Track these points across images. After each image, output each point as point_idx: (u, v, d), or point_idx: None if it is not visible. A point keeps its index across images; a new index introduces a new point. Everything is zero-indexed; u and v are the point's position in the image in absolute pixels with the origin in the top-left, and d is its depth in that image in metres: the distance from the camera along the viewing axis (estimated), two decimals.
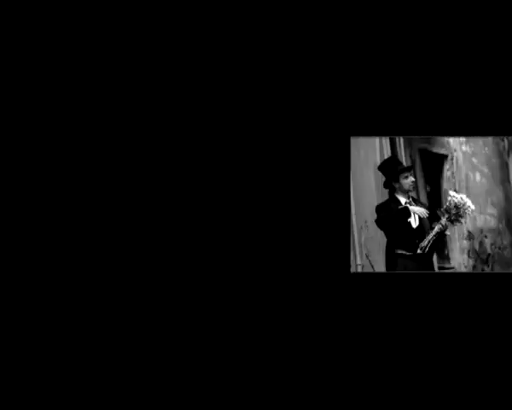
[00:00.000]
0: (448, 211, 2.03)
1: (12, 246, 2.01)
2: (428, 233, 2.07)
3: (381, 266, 2.14)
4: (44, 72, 2.09)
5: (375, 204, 2.21)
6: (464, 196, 2.01)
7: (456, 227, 2.06)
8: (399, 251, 2.04)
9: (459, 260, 2.33)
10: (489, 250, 2.42)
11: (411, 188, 2.08)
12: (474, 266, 2.34)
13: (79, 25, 2.09)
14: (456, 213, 2.01)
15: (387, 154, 2.29)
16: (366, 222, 2.18)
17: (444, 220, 2.04)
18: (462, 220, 2.02)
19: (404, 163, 2.29)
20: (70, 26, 2.09)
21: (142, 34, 2.10)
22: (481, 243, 2.44)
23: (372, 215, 2.19)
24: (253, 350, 2.05)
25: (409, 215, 2.06)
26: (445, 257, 2.44)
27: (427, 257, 2.05)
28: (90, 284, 2.03)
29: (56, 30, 2.09)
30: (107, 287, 2.03)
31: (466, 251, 2.38)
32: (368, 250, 2.15)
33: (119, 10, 2.07)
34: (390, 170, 2.11)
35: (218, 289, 2.05)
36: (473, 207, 2.00)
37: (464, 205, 2.00)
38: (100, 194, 2.05)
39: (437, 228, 2.05)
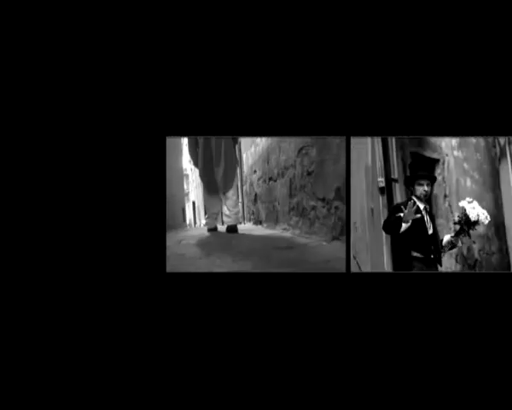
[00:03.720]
0: (467, 224, 2.09)
1: None
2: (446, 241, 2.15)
3: (367, 267, 2.15)
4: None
5: (365, 206, 2.21)
6: (480, 212, 2.08)
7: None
8: (415, 254, 2.06)
9: (447, 264, 2.33)
10: (476, 256, 2.43)
11: (422, 196, 2.08)
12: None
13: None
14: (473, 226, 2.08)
15: (379, 156, 2.29)
16: (355, 223, 2.18)
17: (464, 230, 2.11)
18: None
19: (395, 166, 2.29)
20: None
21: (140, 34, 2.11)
22: (469, 249, 2.45)
23: (362, 217, 2.19)
24: (253, 350, 2.07)
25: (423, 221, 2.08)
26: None
27: (436, 260, 2.09)
28: None
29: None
30: None
31: (454, 256, 2.39)
32: (355, 251, 2.16)
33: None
34: (414, 170, 2.13)
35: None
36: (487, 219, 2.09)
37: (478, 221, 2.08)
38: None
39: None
